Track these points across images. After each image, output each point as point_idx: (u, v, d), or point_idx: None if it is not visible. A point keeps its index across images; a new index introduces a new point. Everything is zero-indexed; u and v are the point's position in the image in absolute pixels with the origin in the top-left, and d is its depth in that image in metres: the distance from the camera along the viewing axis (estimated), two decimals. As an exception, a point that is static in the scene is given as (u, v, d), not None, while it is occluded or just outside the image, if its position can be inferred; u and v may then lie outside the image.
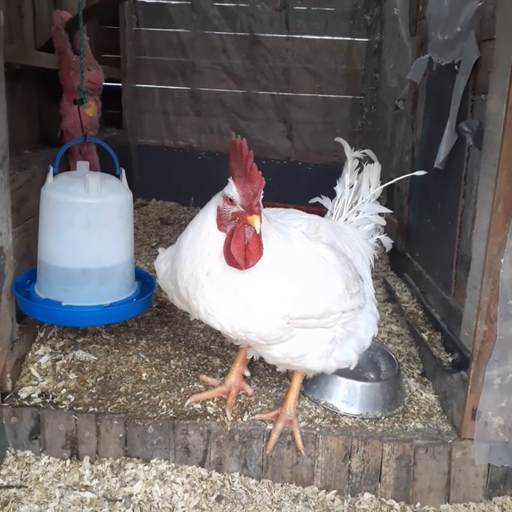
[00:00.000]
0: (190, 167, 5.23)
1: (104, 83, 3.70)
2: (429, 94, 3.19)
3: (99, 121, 3.74)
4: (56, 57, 3.45)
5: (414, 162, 3.45)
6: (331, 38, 5.04)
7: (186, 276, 1.82)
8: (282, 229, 1.86)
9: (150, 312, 2.91)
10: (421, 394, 2.39)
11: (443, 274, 2.77)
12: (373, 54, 4.93)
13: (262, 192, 1.67)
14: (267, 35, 5.09)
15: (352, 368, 2.06)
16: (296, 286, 1.80)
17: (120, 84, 5.14)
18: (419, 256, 3.31)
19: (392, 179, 2.50)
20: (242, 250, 1.70)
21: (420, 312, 3.01)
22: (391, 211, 2.47)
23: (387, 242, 2.41)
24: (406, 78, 3.57)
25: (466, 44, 2.46)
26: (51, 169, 2.34)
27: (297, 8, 5.00)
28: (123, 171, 2.48)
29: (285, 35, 5.07)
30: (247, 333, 1.82)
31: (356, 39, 5.01)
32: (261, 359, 2.08)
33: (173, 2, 5.09)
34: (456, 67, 2.58)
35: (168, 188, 5.30)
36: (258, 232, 1.68)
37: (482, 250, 2.01)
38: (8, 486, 2.02)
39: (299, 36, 5.06)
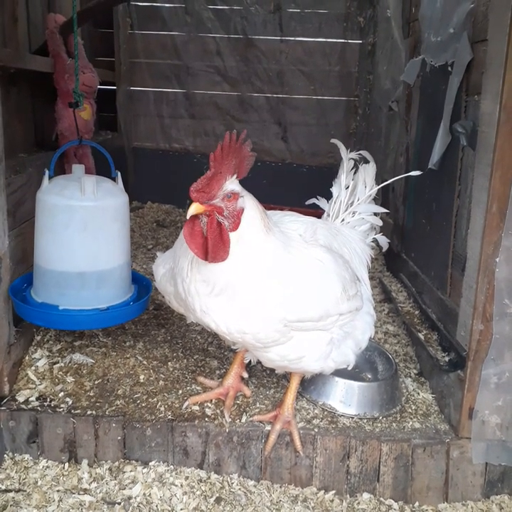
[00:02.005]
0: (186, 169, 5.23)
1: (99, 86, 3.70)
2: (422, 96, 3.21)
3: (94, 124, 3.75)
4: (50, 60, 3.45)
5: (409, 163, 3.47)
6: (324, 40, 5.06)
7: (183, 273, 1.84)
8: (281, 232, 1.87)
9: (147, 315, 2.91)
10: (418, 393, 2.40)
11: (438, 274, 2.78)
12: (367, 56, 4.95)
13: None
14: (260, 37, 5.10)
15: (350, 368, 2.07)
16: (293, 289, 1.81)
17: (115, 87, 5.14)
18: (414, 256, 3.33)
19: (386, 180, 2.51)
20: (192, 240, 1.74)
21: (416, 312, 3.02)
22: (387, 210, 2.48)
23: (384, 241, 2.42)
24: (399, 80, 3.58)
25: (459, 45, 2.47)
26: (47, 172, 2.34)
27: (291, 10, 5.01)
28: (119, 173, 2.48)
29: (279, 38, 5.08)
30: (244, 335, 1.82)
31: (350, 41, 5.03)
32: (259, 361, 2.08)
33: (166, 5, 5.10)
34: (449, 68, 2.60)
35: (163, 190, 5.30)
36: (187, 217, 1.70)
37: (477, 250, 2.02)
38: (7, 490, 2.01)
39: (292, 38, 5.08)
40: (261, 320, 1.79)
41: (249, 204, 1.77)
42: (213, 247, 1.71)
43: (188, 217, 1.69)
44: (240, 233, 1.74)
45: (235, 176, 1.72)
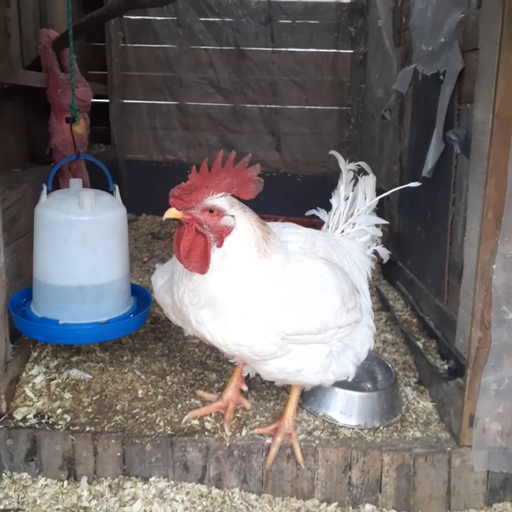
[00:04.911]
0: (180, 181, 5.20)
1: (92, 100, 3.71)
2: (415, 104, 3.23)
3: (87, 137, 3.74)
4: (44, 75, 3.46)
5: (403, 171, 3.48)
6: (316, 50, 5.10)
7: (178, 282, 1.84)
8: (279, 243, 1.86)
9: (144, 328, 2.90)
10: (418, 402, 2.40)
11: (435, 282, 2.78)
12: (358, 65, 4.99)
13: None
14: (252, 48, 5.14)
15: (350, 380, 2.05)
16: (292, 302, 1.79)
17: (107, 101, 5.15)
18: (410, 264, 3.33)
19: (381, 188, 2.51)
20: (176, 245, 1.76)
21: (414, 320, 3.02)
22: (387, 222, 2.46)
23: (384, 253, 2.39)
24: (392, 88, 3.61)
25: (450, 54, 2.49)
26: (45, 187, 2.33)
27: (282, 21, 5.06)
28: (116, 186, 2.49)
29: (271, 49, 5.12)
30: (240, 347, 1.81)
31: (341, 51, 5.07)
32: (258, 374, 2.07)
33: (158, 18, 5.12)
34: (441, 77, 2.62)
35: (158, 202, 5.18)
36: (163, 219, 1.73)
37: (474, 257, 2.03)
38: (5, 510, 1.99)
39: (284, 49, 5.12)
40: (257, 333, 1.77)
41: (242, 226, 1.74)
42: (188, 255, 1.74)
43: (163, 219, 1.72)
44: (225, 251, 1.73)
45: (226, 194, 1.73)
